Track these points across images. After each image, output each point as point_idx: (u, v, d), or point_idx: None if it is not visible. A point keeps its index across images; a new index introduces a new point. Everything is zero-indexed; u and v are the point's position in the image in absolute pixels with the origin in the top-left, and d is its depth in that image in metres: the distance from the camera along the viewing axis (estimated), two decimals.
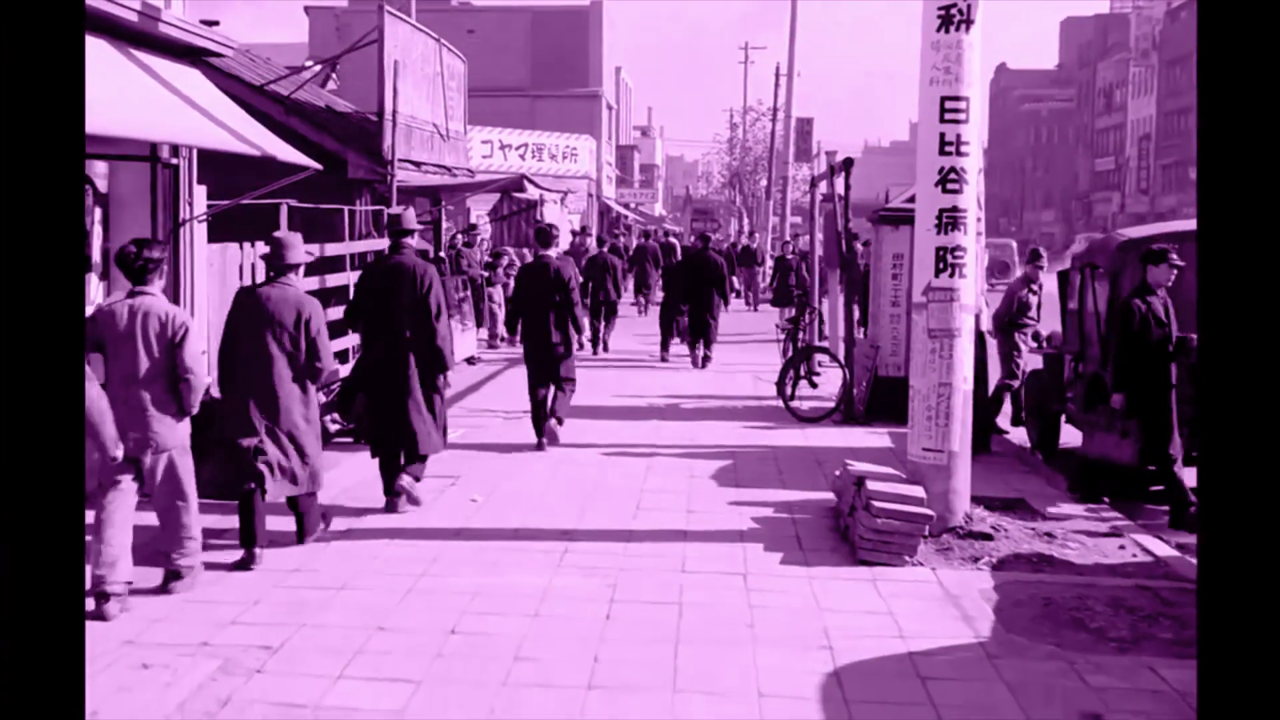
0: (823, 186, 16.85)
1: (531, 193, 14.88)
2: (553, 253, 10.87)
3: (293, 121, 12.94)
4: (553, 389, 10.71)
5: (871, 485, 7.34)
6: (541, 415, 10.63)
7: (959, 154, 7.42)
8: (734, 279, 32.73)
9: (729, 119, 64.81)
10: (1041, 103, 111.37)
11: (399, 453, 8.24)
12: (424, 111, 14.57)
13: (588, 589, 6.51)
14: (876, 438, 11.59)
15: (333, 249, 11.19)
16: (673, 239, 33.67)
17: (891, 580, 6.78)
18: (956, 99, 7.39)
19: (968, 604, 6.39)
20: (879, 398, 12.32)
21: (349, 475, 9.33)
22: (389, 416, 8.16)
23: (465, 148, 17.23)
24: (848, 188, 12.42)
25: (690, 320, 16.88)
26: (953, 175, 7.42)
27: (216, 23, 18.80)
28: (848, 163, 12.41)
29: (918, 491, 7.36)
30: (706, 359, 16.77)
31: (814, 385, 13.57)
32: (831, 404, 13.06)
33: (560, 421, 10.67)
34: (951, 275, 7.47)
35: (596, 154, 41.29)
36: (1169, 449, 8.26)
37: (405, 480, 8.15)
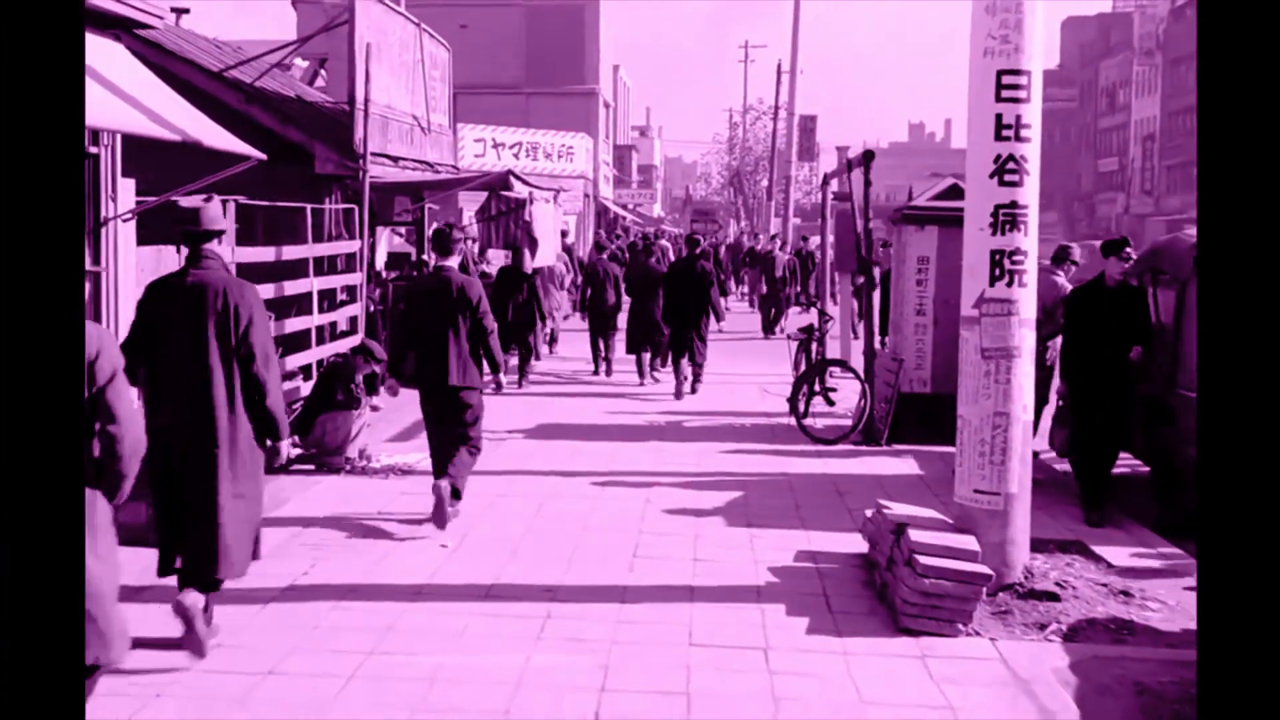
0: (834, 184, 15.65)
1: (519, 190, 13.61)
2: (453, 262, 8.09)
3: (254, 111, 11.73)
4: (457, 446, 7.90)
5: (915, 535, 6.13)
6: (442, 470, 7.90)
7: (1019, 138, 6.21)
8: (731, 281, 31.64)
9: (729, 118, 63.75)
10: (1043, 102, 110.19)
11: (195, 564, 5.43)
12: (402, 101, 13.35)
13: (574, 671, 5.29)
14: (902, 463, 10.38)
15: (292, 252, 9.97)
16: (665, 241, 32.23)
17: (945, 657, 5.56)
18: (1016, 73, 6.19)
19: (1042, 691, 5.17)
20: (903, 417, 11.11)
21: (305, 509, 8.11)
22: (183, 509, 5.40)
23: (450, 142, 16.02)
24: (868, 184, 11.22)
25: (672, 341, 14.25)
26: (1011, 164, 6.22)
27: (186, 10, 17.65)
28: (868, 156, 11.21)
29: (969, 543, 6.15)
30: (695, 382, 14.13)
31: (830, 403, 12.33)
32: (849, 423, 11.86)
33: (458, 496, 7.86)
34: (1009, 284, 6.25)
35: (593, 153, 40.04)
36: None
37: (189, 600, 5.23)
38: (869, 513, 7.17)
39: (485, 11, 40.87)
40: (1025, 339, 6.31)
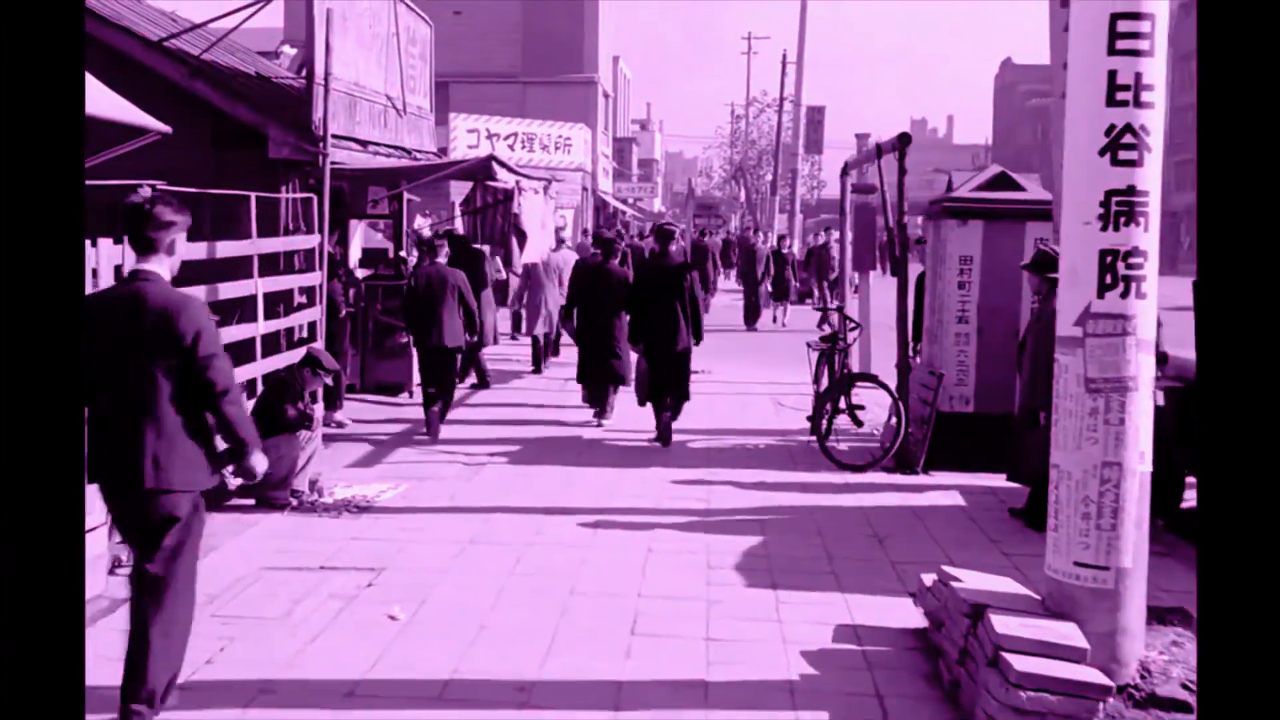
0: (854, 174, 14.19)
1: (502, 178, 12.07)
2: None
3: (198, 86, 10.24)
4: None
5: (999, 624, 4.67)
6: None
7: (1138, 104, 4.73)
8: (720, 277, 30.10)
9: (731, 112, 62.24)
10: (1048, 98, 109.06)
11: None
12: (373, 79, 11.85)
13: None
14: (943, 495, 8.91)
15: (230, 249, 8.48)
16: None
17: None
18: (1136, 17, 4.70)
19: None
20: (942, 440, 9.65)
21: (230, 561, 6.63)
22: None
23: (432, 127, 14.54)
24: (903, 172, 9.75)
25: (652, 378, 10.73)
26: (1128, 137, 4.73)
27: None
28: (904, 140, 9.74)
29: (1072, 635, 4.68)
30: (674, 415, 10.84)
31: (859, 424, 10.82)
32: (877, 444, 10.41)
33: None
34: (1124, 294, 4.77)
35: (592, 145, 38.48)
36: None
37: None
38: (927, 580, 5.71)
39: None
40: (1144, 366, 4.83)
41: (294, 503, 8.10)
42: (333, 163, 10.31)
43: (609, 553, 7.12)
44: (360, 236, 14.75)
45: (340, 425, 11.06)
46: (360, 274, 14.09)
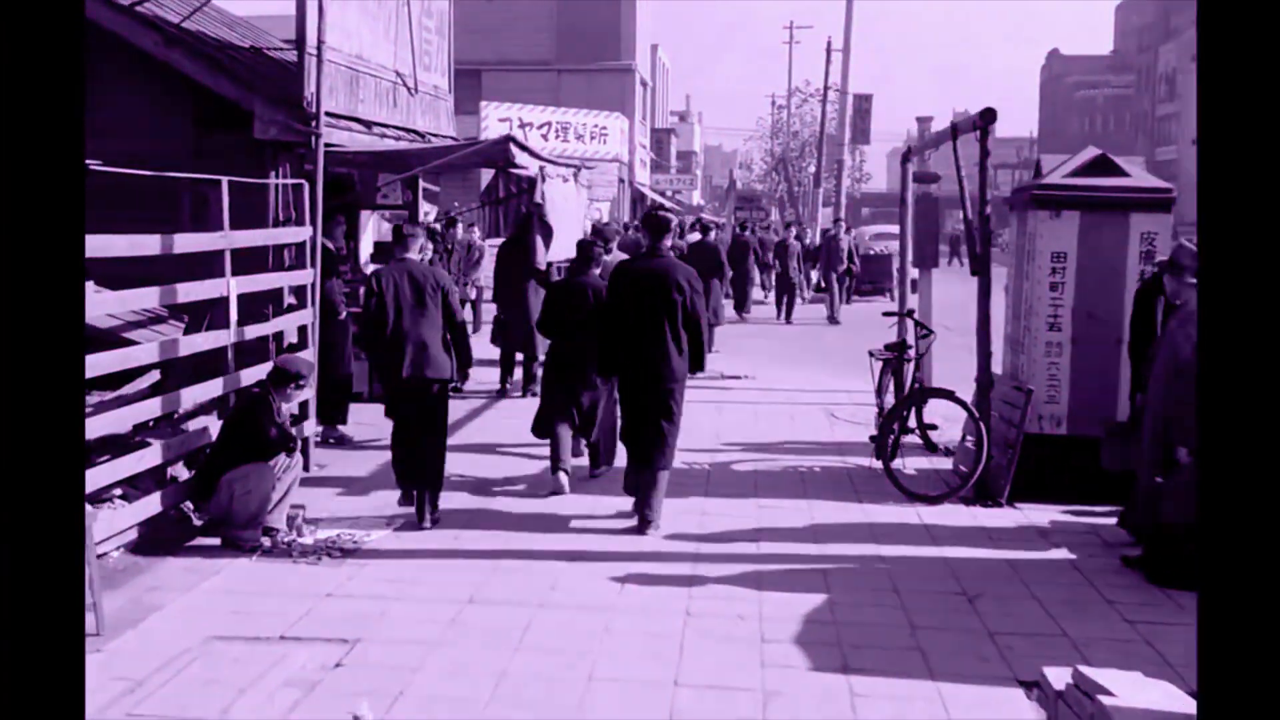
0: (915, 161, 12.79)
1: (522, 162, 10.68)
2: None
3: (175, 56, 8.98)
4: None
5: None
6: None
7: None
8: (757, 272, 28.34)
9: (771, 103, 60.61)
10: (1097, 89, 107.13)
11: None
12: (380, 53, 10.55)
13: None
14: (1039, 541, 7.48)
15: (189, 243, 7.19)
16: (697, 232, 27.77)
17: None
18: None
19: None
20: (1031, 466, 8.25)
21: (173, 626, 5.35)
22: None
23: (450, 110, 13.25)
24: (985, 154, 8.35)
25: (626, 418, 7.61)
26: None
27: None
28: (988, 116, 8.33)
29: None
30: (647, 514, 7.40)
31: (932, 447, 9.34)
32: (950, 467, 9.02)
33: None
34: None
35: (629, 134, 37.08)
36: None
37: None
38: (1054, 678, 4.33)
39: None
40: None
41: (266, 544, 6.82)
42: (329, 145, 9.05)
43: (638, 617, 5.79)
44: (373, 230, 13.48)
45: (342, 441, 9.81)
46: (372, 269, 12.86)
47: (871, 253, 30.09)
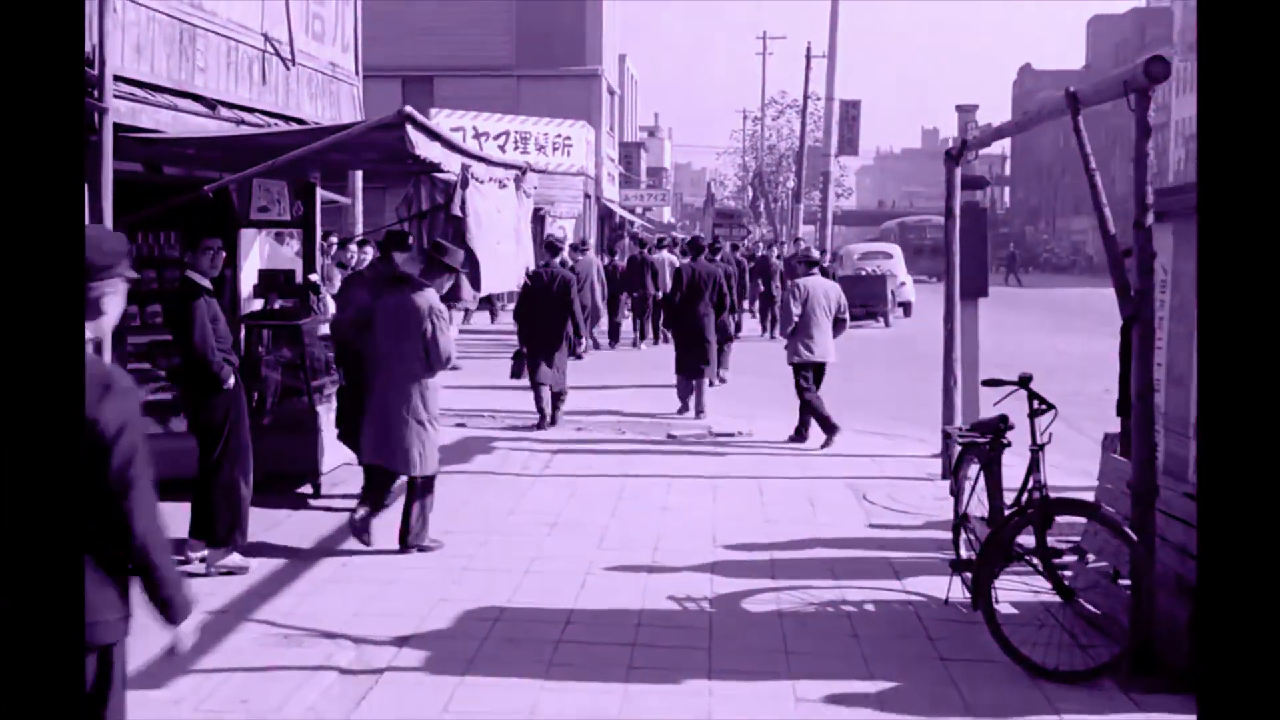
0: (969, 157, 9.91)
1: (432, 157, 7.10)
2: None
3: None
4: None
5: None
6: None
7: None
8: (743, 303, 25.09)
9: (744, 116, 57.90)
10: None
11: None
12: (237, 8, 7.46)
13: None
14: None
15: None
16: (663, 253, 23.53)
17: None
18: None
19: None
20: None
21: None
22: None
23: (356, 97, 10.17)
24: (1145, 131, 5.36)
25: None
26: None
27: None
28: (1074, 100, 5.28)
29: None
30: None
31: (1068, 596, 5.65)
32: (1054, 595, 5.94)
33: None
34: None
35: (596, 146, 34.09)
36: None
37: None
38: None
39: None
40: None
41: None
42: (133, 127, 5.94)
43: None
44: (260, 253, 10.32)
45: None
46: (255, 305, 9.75)
47: (862, 273, 27.42)
